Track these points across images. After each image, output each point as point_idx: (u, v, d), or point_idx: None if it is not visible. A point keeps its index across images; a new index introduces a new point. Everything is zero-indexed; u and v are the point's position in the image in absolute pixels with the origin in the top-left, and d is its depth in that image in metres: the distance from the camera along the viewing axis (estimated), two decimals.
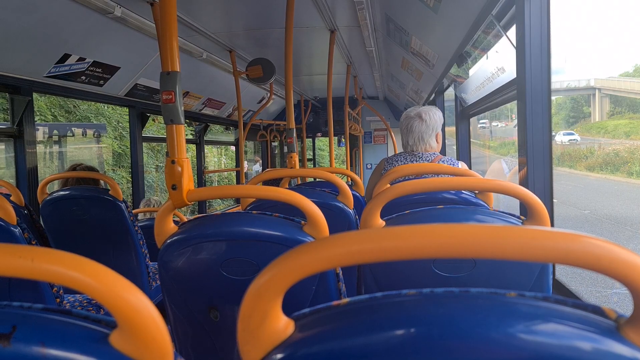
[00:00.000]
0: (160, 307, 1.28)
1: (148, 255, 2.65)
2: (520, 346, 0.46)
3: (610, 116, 33.43)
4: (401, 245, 0.48)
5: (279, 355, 0.51)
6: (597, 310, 0.50)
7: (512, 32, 2.37)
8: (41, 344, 0.50)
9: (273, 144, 8.86)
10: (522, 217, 1.30)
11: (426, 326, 0.48)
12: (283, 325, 0.52)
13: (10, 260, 0.49)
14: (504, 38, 2.55)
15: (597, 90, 35.26)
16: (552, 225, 1.70)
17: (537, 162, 1.84)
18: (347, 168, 5.98)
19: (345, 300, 0.53)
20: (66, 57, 3.06)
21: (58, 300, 1.86)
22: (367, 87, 7.44)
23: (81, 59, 3.20)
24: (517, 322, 0.47)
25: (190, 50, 4.10)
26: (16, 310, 0.54)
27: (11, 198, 2.28)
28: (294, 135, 2.96)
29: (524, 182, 1.89)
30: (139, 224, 2.70)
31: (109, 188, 2.53)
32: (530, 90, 1.82)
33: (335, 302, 0.53)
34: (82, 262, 0.50)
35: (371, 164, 8.56)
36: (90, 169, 2.87)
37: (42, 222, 2.57)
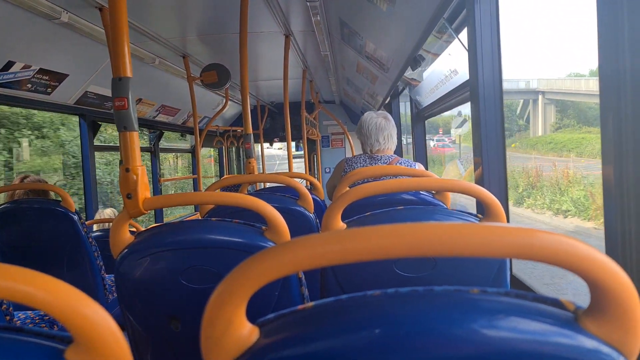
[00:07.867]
0: (118, 320, 1.24)
1: (104, 267, 2.57)
2: (484, 341, 0.46)
3: (557, 129, 22.23)
4: (364, 246, 0.47)
5: None
6: (556, 302, 0.51)
7: (463, 34, 2.43)
8: None
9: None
10: (480, 216, 1.33)
11: (393, 325, 0.47)
12: (248, 332, 0.51)
13: None
14: (456, 40, 2.61)
15: (540, 95, 23.58)
16: (508, 222, 1.74)
17: (491, 162, 1.89)
18: (305, 172, 5.98)
19: (311, 303, 0.53)
20: (10, 64, 2.94)
21: (8, 317, 1.78)
22: (324, 91, 7.47)
23: (26, 66, 3.08)
24: (480, 318, 0.47)
25: (142, 56, 4.01)
26: None
27: None
28: (252, 140, 2.94)
29: (479, 181, 1.93)
30: (93, 235, 2.62)
31: (60, 199, 2.44)
32: (482, 91, 1.86)
33: (300, 306, 0.53)
34: (34, 276, 0.48)
35: (329, 168, 8.59)
36: (40, 180, 2.77)
37: None
